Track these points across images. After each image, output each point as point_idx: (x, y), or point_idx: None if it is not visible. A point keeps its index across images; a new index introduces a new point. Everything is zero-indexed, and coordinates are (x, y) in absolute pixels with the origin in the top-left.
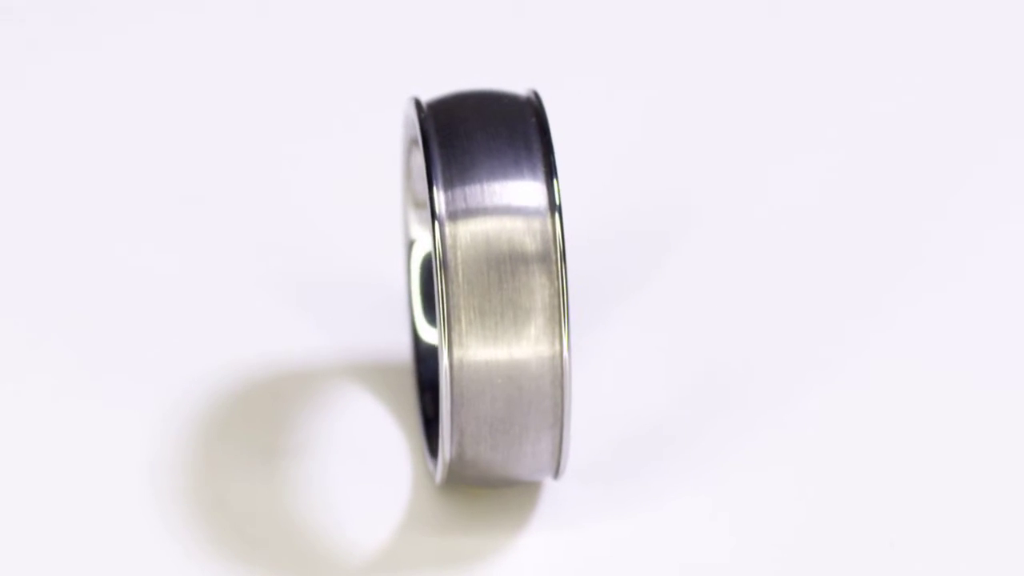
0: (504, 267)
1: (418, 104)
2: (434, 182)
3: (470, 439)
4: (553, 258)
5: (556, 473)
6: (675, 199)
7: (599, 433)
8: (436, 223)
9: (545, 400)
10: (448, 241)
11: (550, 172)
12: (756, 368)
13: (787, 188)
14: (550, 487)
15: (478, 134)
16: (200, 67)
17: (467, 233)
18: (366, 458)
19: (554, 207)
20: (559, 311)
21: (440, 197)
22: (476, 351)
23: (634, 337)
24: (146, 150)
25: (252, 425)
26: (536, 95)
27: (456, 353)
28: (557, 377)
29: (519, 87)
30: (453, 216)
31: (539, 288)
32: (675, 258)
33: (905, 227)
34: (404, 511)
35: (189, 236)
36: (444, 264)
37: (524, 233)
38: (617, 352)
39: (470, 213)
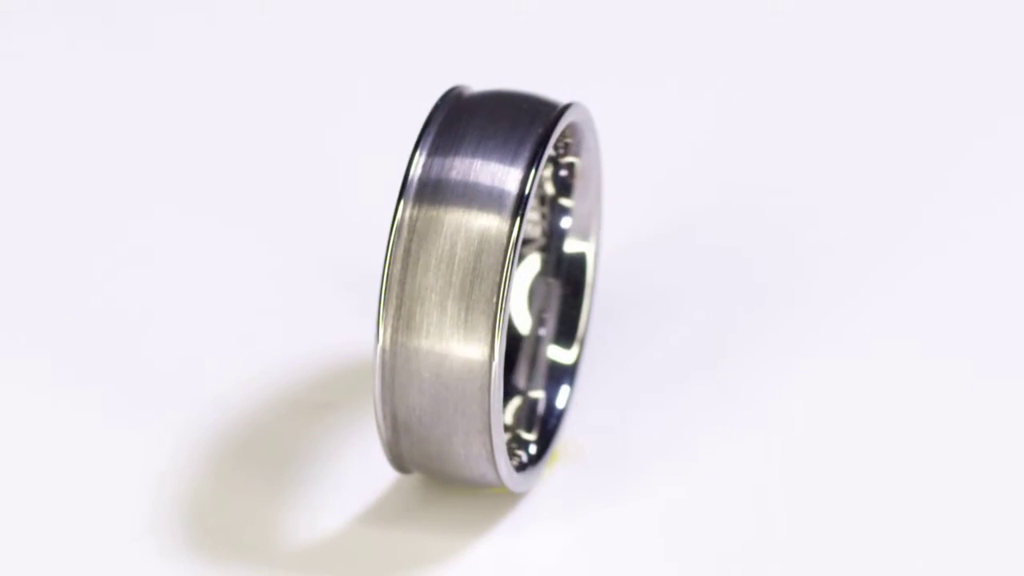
0: (455, 256)
1: (449, 91)
2: (418, 149)
3: (403, 426)
4: (503, 259)
5: (500, 483)
6: (716, 207)
7: (589, 437)
8: (402, 198)
9: (472, 405)
10: (406, 225)
11: (529, 168)
12: (741, 371)
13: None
14: (534, 491)
15: (475, 130)
16: (261, 55)
17: (427, 214)
18: (370, 454)
19: (519, 206)
20: (495, 317)
21: (418, 164)
22: (407, 337)
23: (631, 346)
24: (185, 142)
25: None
26: (567, 105)
27: (387, 336)
28: (485, 384)
29: (574, 96)
30: (421, 192)
31: (483, 286)
32: (685, 268)
33: (896, 211)
34: (379, 505)
35: (239, 229)
36: (397, 233)
37: (483, 227)
38: (612, 363)
39: (437, 194)
